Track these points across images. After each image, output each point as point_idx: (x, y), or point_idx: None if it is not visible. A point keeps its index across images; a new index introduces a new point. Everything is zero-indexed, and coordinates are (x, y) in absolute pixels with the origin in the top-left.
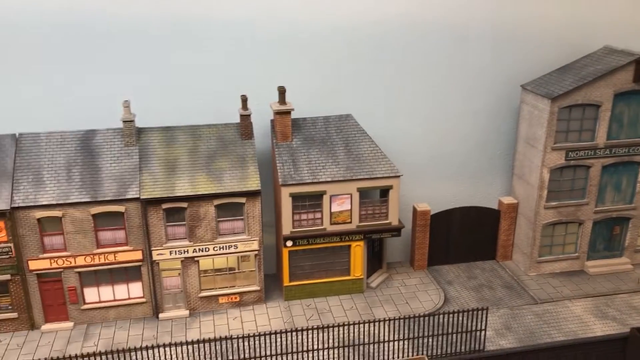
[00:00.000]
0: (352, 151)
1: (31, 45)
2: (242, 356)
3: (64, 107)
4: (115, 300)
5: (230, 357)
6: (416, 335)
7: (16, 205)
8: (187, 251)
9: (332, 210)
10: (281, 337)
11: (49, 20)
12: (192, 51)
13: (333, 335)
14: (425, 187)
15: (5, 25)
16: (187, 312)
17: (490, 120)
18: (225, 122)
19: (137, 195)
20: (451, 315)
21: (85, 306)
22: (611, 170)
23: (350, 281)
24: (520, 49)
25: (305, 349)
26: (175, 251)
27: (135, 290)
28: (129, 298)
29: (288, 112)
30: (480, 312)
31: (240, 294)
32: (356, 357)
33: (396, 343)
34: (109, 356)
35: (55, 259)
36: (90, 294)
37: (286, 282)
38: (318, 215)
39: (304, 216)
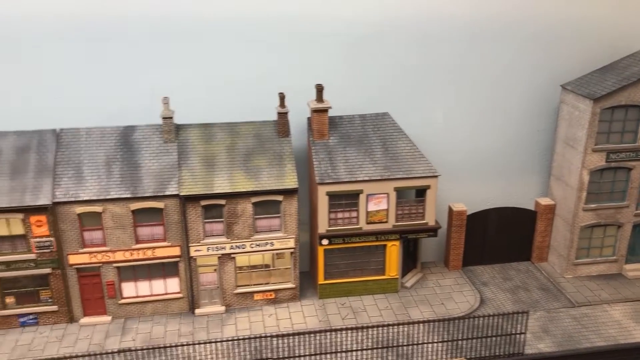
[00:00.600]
0: (389, 150)
1: (73, 41)
2: (279, 355)
3: (103, 103)
4: (152, 295)
5: (268, 355)
6: (454, 337)
7: (57, 200)
8: (224, 248)
9: (369, 210)
10: (319, 337)
11: (91, 17)
12: (230, 48)
13: (369, 335)
14: (460, 186)
15: (47, 22)
16: (223, 308)
17: (527, 119)
18: (263, 120)
19: (177, 192)
20: (490, 318)
21: (123, 301)
22: None
23: (385, 281)
24: (561, 48)
25: (341, 349)
26: (213, 247)
27: (172, 285)
28: (166, 293)
29: (326, 110)
30: (520, 315)
31: (276, 291)
32: (393, 358)
33: (433, 345)
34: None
35: (95, 254)
36: (128, 289)
37: (321, 281)
38: (354, 214)
39: (340, 215)
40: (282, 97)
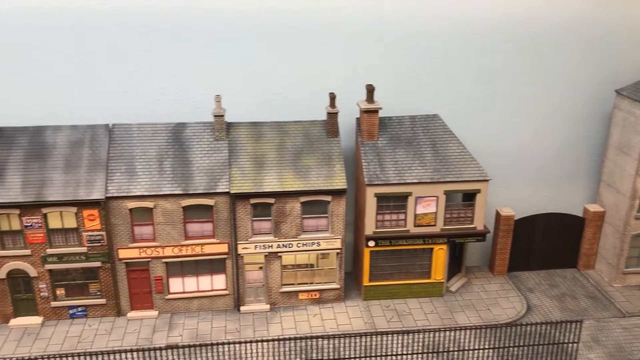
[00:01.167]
0: (439, 152)
1: (124, 36)
2: (324, 356)
3: (154, 99)
4: (198, 291)
5: (315, 356)
6: (503, 344)
7: (110, 195)
8: (271, 246)
9: (417, 212)
10: (366, 339)
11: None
12: (279, 47)
13: (415, 339)
14: (507, 190)
15: (99, 19)
16: (268, 306)
17: (578, 124)
18: (311, 119)
19: (227, 190)
20: (541, 325)
21: (170, 296)
22: None
23: (430, 284)
24: (615, 52)
25: (389, 352)
26: (260, 246)
27: (218, 282)
28: (212, 290)
29: (376, 111)
30: (573, 324)
31: (320, 291)
32: None
33: (482, 351)
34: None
35: (144, 249)
36: (175, 284)
37: (366, 282)
38: (402, 216)
39: (387, 217)
40: (332, 97)
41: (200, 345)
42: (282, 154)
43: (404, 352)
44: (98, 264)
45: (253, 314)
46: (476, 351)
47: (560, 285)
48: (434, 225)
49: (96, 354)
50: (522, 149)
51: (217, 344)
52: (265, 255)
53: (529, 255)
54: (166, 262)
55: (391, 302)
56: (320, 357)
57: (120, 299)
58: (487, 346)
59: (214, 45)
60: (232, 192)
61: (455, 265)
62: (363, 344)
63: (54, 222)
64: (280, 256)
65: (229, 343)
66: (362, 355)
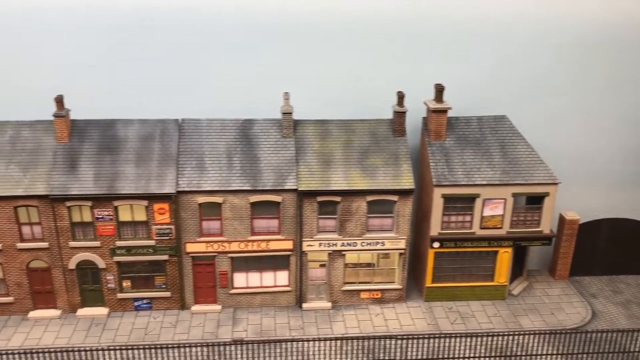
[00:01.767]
0: (507, 154)
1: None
2: (390, 356)
3: (223, 95)
4: (261, 287)
5: (380, 357)
6: (568, 350)
7: (181, 189)
8: (335, 244)
9: (484, 214)
10: (433, 341)
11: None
12: (348, 46)
13: (481, 342)
14: (572, 193)
15: (172, 18)
16: (330, 304)
17: None
18: (377, 118)
19: (295, 187)
20: (610, 333)
21: (234, 291)
22: None
23: (493, 287)
24: None
25: (454, 355)
26: (324, 243)
27: (281, 278)
28: (275, 286)
29: (445, 111)
30: None
31: (382, 290)
32: None
33: (550, 357)
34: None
35: (211, 243)
36: (239, 279)
37: (428, 283)
38: (468, 218)
39: (453, 218)
40: (401, 96)
41: (268, 342)
42: (348, 152)
43: (471, 356)
44: (165, 257)
45: (315, 312)
46: (544, 356)
47: (624, 291)
48: (501, 227)
49: (166, 347)
50: (590, 152)
51: (283, 341)
52: (329, 253)
53: (592, 260)
54: (232, 257)
55: (453, 304)
56: (386, 357)
57: (185, 292)
58: (554, 352)
59: (285, 44)
60: (299, 189)
61: (517, 268)
62: (430, 345)
63: (124, 215)
64: (344, 254)
65: (295, 340)
66: (429, 357)
